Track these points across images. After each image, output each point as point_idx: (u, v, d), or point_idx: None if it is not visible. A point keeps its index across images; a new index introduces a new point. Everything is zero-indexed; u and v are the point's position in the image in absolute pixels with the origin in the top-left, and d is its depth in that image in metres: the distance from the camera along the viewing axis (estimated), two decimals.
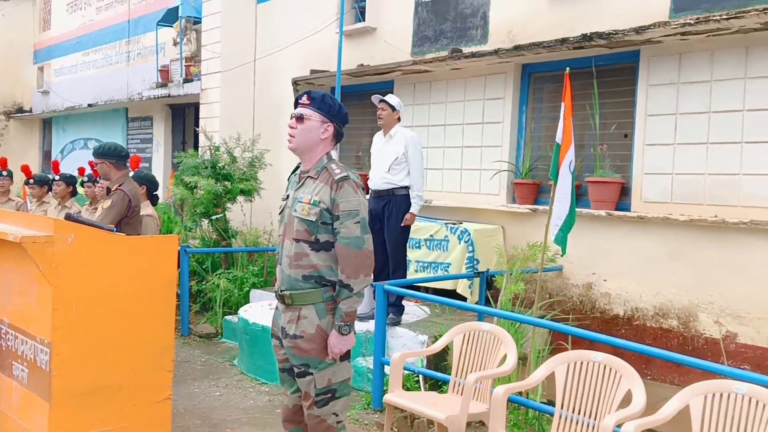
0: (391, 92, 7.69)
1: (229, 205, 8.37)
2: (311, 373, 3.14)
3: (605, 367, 3.68)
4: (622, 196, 6.26)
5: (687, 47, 5.70)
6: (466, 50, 7.23)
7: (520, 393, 4.34)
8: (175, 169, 10.74)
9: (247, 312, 6.30)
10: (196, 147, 10.07)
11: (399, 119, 5.95)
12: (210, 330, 7.31)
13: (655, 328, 5.92)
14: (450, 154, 7.73)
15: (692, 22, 5.18)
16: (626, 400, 3.51)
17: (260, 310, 6.34)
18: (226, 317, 7.26)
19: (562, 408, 3.77)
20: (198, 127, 10.47)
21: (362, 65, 8.25)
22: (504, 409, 3.72)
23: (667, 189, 5.90)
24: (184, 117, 13.20)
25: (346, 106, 3.48)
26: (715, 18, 5.05)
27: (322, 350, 3.14)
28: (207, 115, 10.39)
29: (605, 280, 6.30)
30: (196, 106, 11.18)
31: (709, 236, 5.59)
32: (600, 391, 3.64)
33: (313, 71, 8.85)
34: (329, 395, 3.18)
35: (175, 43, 12.25)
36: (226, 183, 8.12)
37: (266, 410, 5.15)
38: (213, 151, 8.36)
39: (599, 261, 6.33)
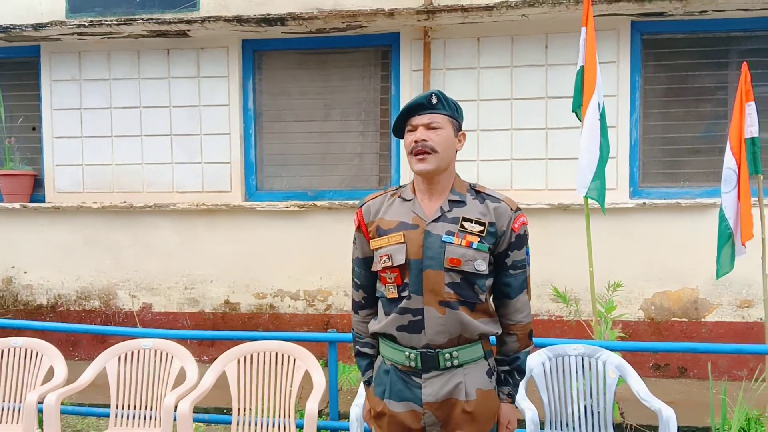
0: None
1: None
2: None
3: (26, 350, 3.87)
4: (36, 188, 6.35)
5: (86, 46, 6.11)
6: None
7: None
8: None
9: None
10: None
11: None
12: None
13: (79, 311, 6.24)
14: None
15: (87, 24, 5.60)
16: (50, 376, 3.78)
17: None
18: None
19: None
20: None
21: None
22: None
23: (79, 179, 6.24)
24: None
25: None
26: (107, 22, 5.57)
27: None
28: None
29: (26, 272, 6.31)
30: None
31: (120, 221, 6.16)
32: (23, 372, 3.81)
33: None
34: None
35: None
36: None
37: None
38: None
39: (18, 254, 6.30)
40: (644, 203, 5.44)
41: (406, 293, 2.22)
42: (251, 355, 3.69)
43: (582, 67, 3.63)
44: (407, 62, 5.72)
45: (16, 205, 6.17)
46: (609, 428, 3.40)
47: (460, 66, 5.67)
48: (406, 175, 5.77)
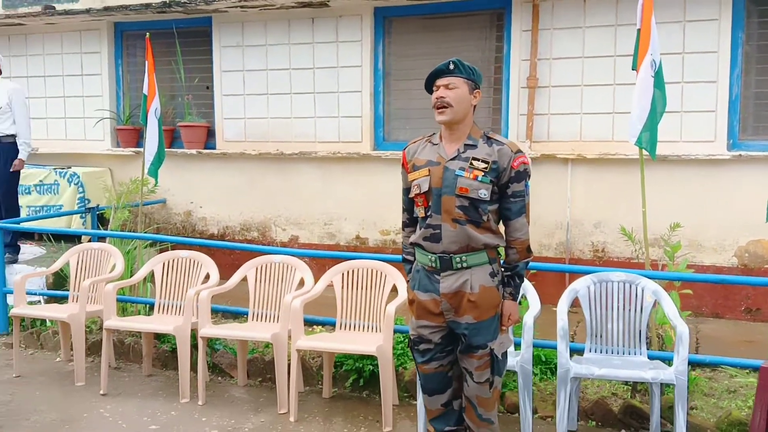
0: None
1: None
2: None
3: (190, 260, 5.07)
4: (209, 138, 7.69)
5: (247, 17, 7.26)
6: (59, 7, 7.80)
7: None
8: None
9: None
10: None
11: (0, 71, 6.46)
12: None
13: (241, 239, 7.54)
14: (52, 104, 8.29)
15: None
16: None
17: None
18: None
19: (161, 297, 5.07)
20: None
21: None
22: (114, 301, 4.84)
23: (241, 131, 7.49)
24: None
25: None
26: None
27: None
28: None
29: (201, 207, 7.72)
30: None
31: (273, 166, 7.34)
32: (188, 277, 5.02)
33: None
34: None
35: None
36: None
37: None
38: None
39: (195, 191, 7.71)
40: (740, 155, 5.65)
41: (429, 213, 3.00)
42: (353, 270, 4.60)
43: (639, 30, 4.06)
44: (518, 24, 6.27)
45: (194, 152, 7.55)
46: (643, 345, 3.95)
47: (566, 26, 6.13)
48: (514, 127, 6.37)
